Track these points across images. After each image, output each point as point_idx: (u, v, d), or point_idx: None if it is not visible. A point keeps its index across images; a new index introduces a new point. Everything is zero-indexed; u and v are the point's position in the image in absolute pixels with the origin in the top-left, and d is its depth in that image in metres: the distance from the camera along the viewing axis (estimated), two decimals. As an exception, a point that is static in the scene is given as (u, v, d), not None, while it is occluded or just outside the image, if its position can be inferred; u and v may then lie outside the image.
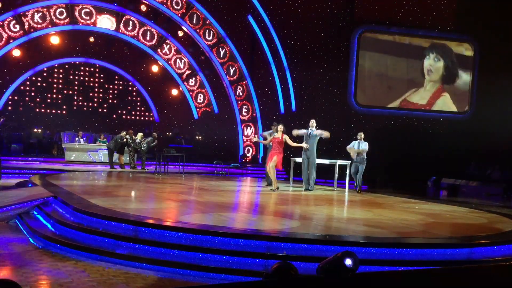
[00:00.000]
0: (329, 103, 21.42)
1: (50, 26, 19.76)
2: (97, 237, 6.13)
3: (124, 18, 20.77)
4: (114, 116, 23.73)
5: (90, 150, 18.90)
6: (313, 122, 11.93)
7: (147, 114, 24.12)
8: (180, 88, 22.43)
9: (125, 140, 17.05)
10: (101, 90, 23.59)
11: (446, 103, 22.52)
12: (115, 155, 17.33)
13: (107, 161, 17.44)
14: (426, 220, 7.93)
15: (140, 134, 17.64)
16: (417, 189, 16.72)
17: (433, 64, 22.31)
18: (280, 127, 11.36)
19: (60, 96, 22.83)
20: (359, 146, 12.45)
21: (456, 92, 22.57)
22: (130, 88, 23.87)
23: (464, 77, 22.58)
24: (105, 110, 23.67)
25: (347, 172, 12.84)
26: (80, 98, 23.24)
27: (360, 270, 2.96)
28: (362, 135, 12.57)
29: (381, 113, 21.88)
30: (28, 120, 21.97)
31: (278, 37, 21.41)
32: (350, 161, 12.79)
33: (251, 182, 14.72)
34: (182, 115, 23.41)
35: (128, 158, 17.67)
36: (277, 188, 11.37)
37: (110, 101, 23.75)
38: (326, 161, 13.18)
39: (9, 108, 21.56)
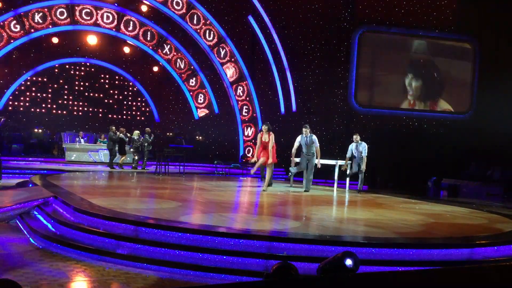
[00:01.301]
0: (329, 103, 21.40)
1: (50, 26, 19.76)
2: (98, 237, 6.13)
3: (125, 18, 20.78)
4: (115, 116, 23.74)
5: (91, 150, 18.91)
6: (307, 129, 11.68)
7: (147, 114, 24.14)
8: (181, 88, 22.44)
9: (119, 134, 16.95)
10: (101, 90, 23.62)
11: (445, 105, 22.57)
12: (101, 155, 17.30)
13: (108, 161, 17.45)
14: (426, 220, 7.93)
15: (136, 132, 17.56)
16: (417, 189, 16.70)
17: (411, 83, 22.21)
18: (264, 127, 11.29)
19: (60, 96, 22.84)
20: (357, 148, 12.20)
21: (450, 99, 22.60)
22: (130, 88, 23.90)
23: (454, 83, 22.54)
24: (105, 110, 23.69)
25: (347, 172, 12.81)
26: (81, 98, 23.26)
27: (361, 271, 2.96)
28: (358, 138, 12.25)
29: (382, 113, 21.87)
30: (29, 120, 21.99)
31: (279, 38, 21.41)
32: (350, 162, 12.75)
33: (251, 183, 14.70)
34: (182, 115, 23.44)
35: (129, 158, 17.68)
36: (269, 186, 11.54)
37: (111, 101, 23.76)
38: (327, 161, 13.16)
39: (10, 108, 21.57)
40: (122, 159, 17.28)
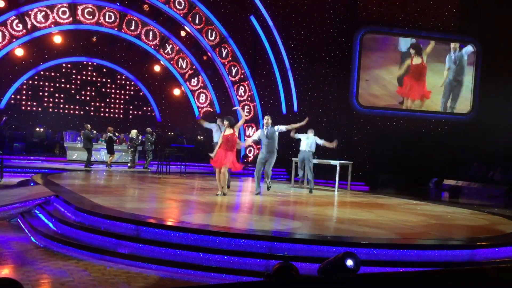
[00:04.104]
0: (331, 103, 21.41)
1: (53, 26, 19.79)
2: (99, 236, 6.14)
3: (127, 17, 20.79)
4: (116, 115, 23.77)
5: (92, 150, 18.87)
6: (268, 119, 10.33)
7: (149, 113, 24.14)
8: (182, 88, 22.45)
9: (91, 133, 16.60)
10: (103, 90, 23.63)
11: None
12: (102, 154, 17.17)
13: (105, 160, 17.41)
14: (427, 221, 7.93)
15: (134, 131, 17.50)
16: (418, 191, 16.68)
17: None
18: (225, 122, 9.50)
19: (62, 95, 22.88)
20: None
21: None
22: (132, 88, 23.91)
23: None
24: (107, 110, 23.70)
25: (349, 171, 12.79)
26: (83, 97, 23.28)
27: (362, 271, 2.96)
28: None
29: (383, 114, 21.85)
30: (30, 119, 22.01)
31: (280, 38, 21.40)
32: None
33: (252, 183, 14.69)
34: (184, 115, 23.44)
35: (129, 158, 17.67)
36: (223, 193, 9.71)
37: (112, 100, 23.78)
38: (327, 162, 13.16)
39: (12, 107, 21.60)
40: (110, 159, 17.08)
